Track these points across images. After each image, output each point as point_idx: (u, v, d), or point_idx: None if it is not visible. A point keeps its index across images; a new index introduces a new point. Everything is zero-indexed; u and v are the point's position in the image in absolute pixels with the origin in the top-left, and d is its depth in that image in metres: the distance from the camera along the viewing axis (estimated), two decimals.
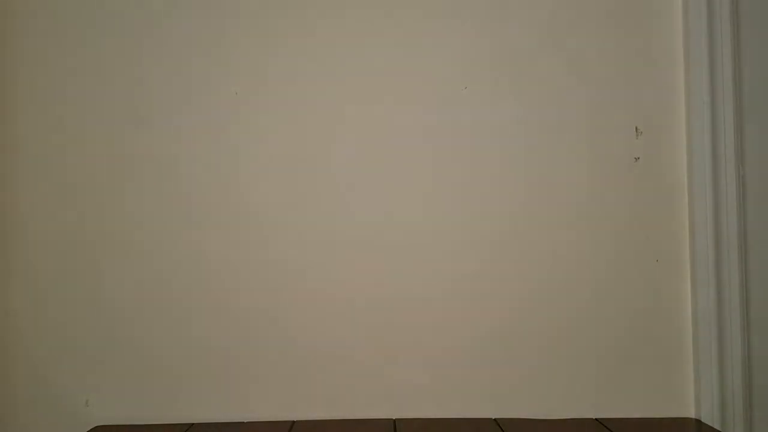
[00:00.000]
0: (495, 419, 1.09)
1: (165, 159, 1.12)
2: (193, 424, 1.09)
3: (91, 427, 1.09)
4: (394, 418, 1.10)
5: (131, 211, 1.11)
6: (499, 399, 1.10)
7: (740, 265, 1.08)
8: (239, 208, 1.12)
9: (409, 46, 1.12)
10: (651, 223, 1.11)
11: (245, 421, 1.10)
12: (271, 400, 1.11)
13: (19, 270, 1.11)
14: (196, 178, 1.12)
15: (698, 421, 1.07)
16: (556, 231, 1.11)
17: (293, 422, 1.09)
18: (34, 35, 1.13)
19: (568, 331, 1.11)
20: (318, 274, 1.11)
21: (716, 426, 1.06)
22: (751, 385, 1.08)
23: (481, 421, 1.08)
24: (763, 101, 1.09)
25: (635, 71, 1.12)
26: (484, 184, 1.12)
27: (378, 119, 1.12)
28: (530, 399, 1.10)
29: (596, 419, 1.09)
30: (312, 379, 1.11)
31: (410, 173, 1.12)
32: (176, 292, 1.11)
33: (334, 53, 1.12)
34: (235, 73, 1.12)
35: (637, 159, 1.12)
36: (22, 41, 1.13)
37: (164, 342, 1.11)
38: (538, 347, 1.11)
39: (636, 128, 1.12)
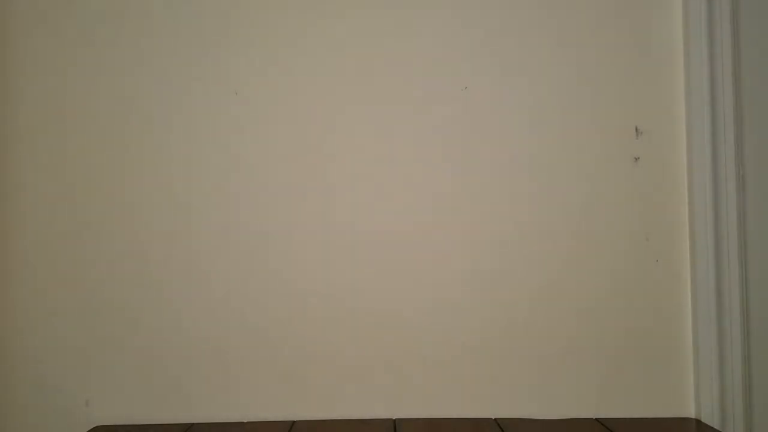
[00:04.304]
0: (495, 419, 1.09)
1: (163, 159, 1.12)
2: (193, 424, 1.09)
3: (91, 427, 1.09)
4: (394, 418, 1.11)
5: (130, 212, 1.11)
6: (499, 399, 1.10)
7: (740, 265, 1.08)
8: (238, 208, 1.12)
9: (410, 47, 1.12)
10: (651, 223, 1.11)
11: (245, 421, 1.10)
12: (271, 400, 1.11)
13: (18, 270, 1.11)
14: (195, 178, 1.12)
15: (698, 421, 1.07)
16: (555, 231, 1.11)
17: (293, 422, 1.09)
18: (33, 35, 1.13)
19: (568, 331, 1.11)
20: (318, 274, 1.11)
21: (716, 426, 1.06)
22: (751, 385, 1.08)
23: (481, 421, 1.08)
24: (763, 101, 1.09)
25: (635, 71, 1.12)
26: (481, 184, 1.12)
27: (378, 119, 1.12)
28: (530, 399, 1.10)
29: (596, 419, 1.09)
30: (312, 378, 1.11)
31: (411, 175, 1.12)
32: (176, 293, 1.11)
33: (334, 53, 1.12)
34: (235, 73, 1.12)
35: (637, 159, 1.12)
36: (21, 41, 1.13)
37: (164, 342, 1.11)
38: (538, 347, 1.11)
39: (636, 128, 1.12)
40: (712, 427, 1.04)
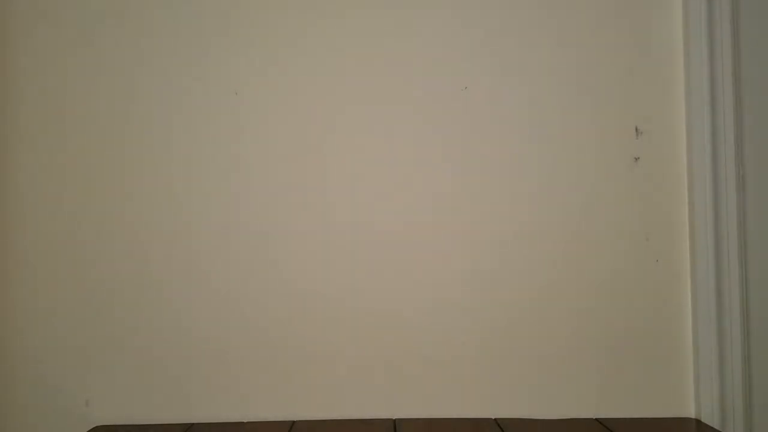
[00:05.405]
0: (495, 419, 1.09)
1: (163, 159, 1.12)
2: (193, 424, 1.09)
3: (91, 427, 1.09)
4: (394, 418, 1.11)
5: (130, 212, 1.11)
6: (499, 399, 1.10)
7: (740, 265, 1.08)
8: (238, 208, 1.12)
9: (410, 47, 1.12)
10: (651, 223, 1.11)
11: (245, 421, 1.10)
12: (271, 400, 1.11)
13: (18, 270, 1.11)
14: (195, 178, 1.12)
15: (698, 421, 1.07)
16: (555, 231, 1.11)
17: (293, 422, 1.09)
18: (33, 35, 1.13)
19: (568, 330, 1.11)
20: (318, 274, 1.11)
21: (716, 426, 1.06)
22: (751, 385, 1.08)
23: (481, 421, 1.08)
24: (763, 101, 1.09)
25: (635, 71, 1.12)
26: (481, 184, 1.12)
27: (378, 119, 1.12)
28: (530, 399, 1.10)
29: (596, 419, 1.09)
30: (312, 378, 1.11)
31: (411, 175, 1.12)
32: (176, 292, 1.11)
33: (334, 53, 1.12)
34: (235, 73, 1.12)
35: (637, 159, 1.12)
36: (21, 41, 1.13)
37: (164, 342, 1.11)
38: (538, 347, 1.11)
39: (636, 128, 1.12)
40: (712, 427, 1.04)
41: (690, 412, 1.10)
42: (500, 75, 1.12)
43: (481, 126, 1.12)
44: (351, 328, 1.11)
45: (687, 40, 1.11)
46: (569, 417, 1.10)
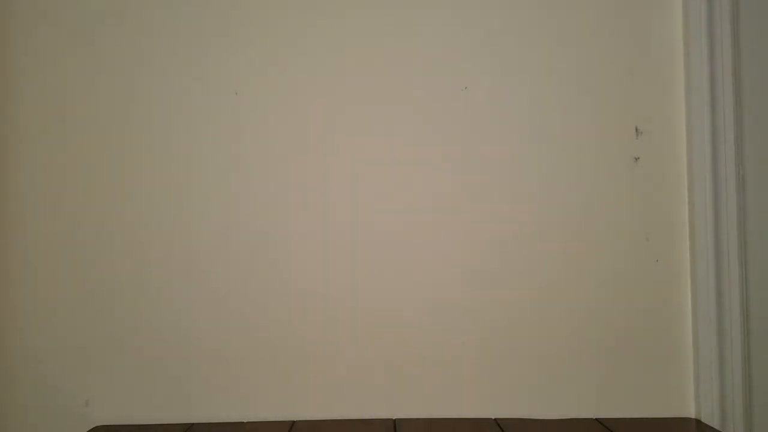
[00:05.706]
0: (495, 419, 1.09)
1: (163, 159, 1.12)
2: (193, 424, 1.09)
3: (91, 427, 1.09)
4: (394, 418, 1.11)
5: (129, 212, 1.11)
6: (499, 399, 1.10)
7: (740, 265, 1.08)
8: (238, 208, 1.12)
9: (410, 47, 1.12)
10: (651, 223, 1.11)
11: (245, 421, 1.10)
12: (271, 400, 1.11)
13: (18, 270, 1.11)
14: (195, 178, 1.12)
15: (698, 421, 1.07)
16: (555, 231, 1.11)
17: (293, 422, 1.09)
18: (33, 35, 1.13)
19: (568, 331, 1.11)
20: (318, 274, 1.11)
21: (716, 426, 1.06)
22: (751, 385, 1.08)
23: (481, 421, 1.08)
24: (763, 101, 1.09)
25: (635, 71, 1.12)
26: (481, 184, 1.12)
27: (378, 119, 1.12)
28: (530, 399, 1.10)
29: (596, 419, 1.09)
30: (312, 378, 1.11)
31: (411, 175, 1.12)
32: (176, 292, 1.11)
33: (334, 53, 1.12)
34: (235, 73, 1.12)
35: (637, 159, 1.12)
36: (21, 41, 1.13)
37: (164, 342, 1.11)
38: (538, 347, 1.11)
39: (636, 128, 1.12)
40: (712, 427, 1.04)
41: (690, 412, 1.10)
42: (500, 75, 1.12)
43: (481, 126, 1.12)
44: (351, 328, 1.11)
45: (687, 40, 1.11)
46: (569, 417, 1.10)
